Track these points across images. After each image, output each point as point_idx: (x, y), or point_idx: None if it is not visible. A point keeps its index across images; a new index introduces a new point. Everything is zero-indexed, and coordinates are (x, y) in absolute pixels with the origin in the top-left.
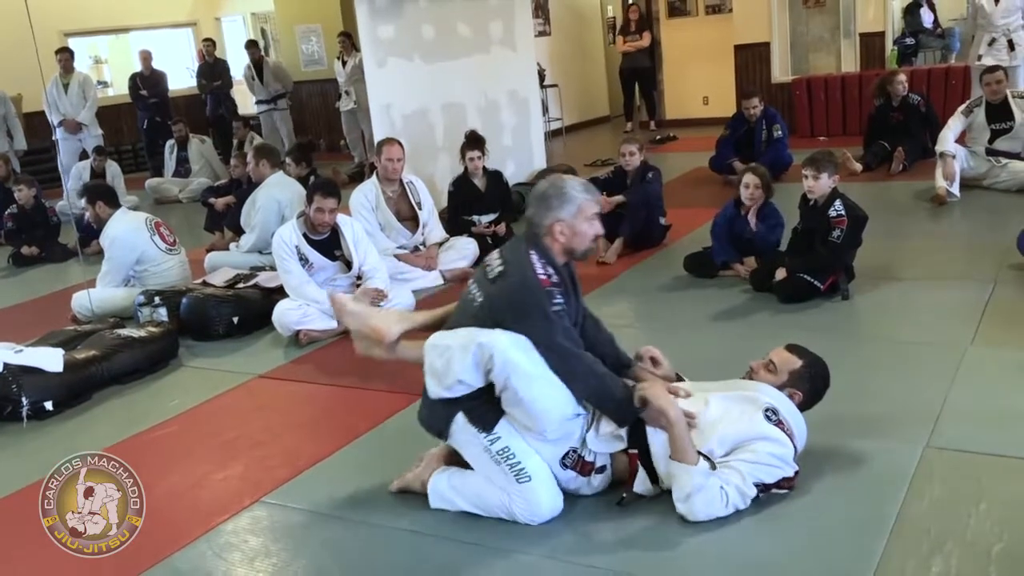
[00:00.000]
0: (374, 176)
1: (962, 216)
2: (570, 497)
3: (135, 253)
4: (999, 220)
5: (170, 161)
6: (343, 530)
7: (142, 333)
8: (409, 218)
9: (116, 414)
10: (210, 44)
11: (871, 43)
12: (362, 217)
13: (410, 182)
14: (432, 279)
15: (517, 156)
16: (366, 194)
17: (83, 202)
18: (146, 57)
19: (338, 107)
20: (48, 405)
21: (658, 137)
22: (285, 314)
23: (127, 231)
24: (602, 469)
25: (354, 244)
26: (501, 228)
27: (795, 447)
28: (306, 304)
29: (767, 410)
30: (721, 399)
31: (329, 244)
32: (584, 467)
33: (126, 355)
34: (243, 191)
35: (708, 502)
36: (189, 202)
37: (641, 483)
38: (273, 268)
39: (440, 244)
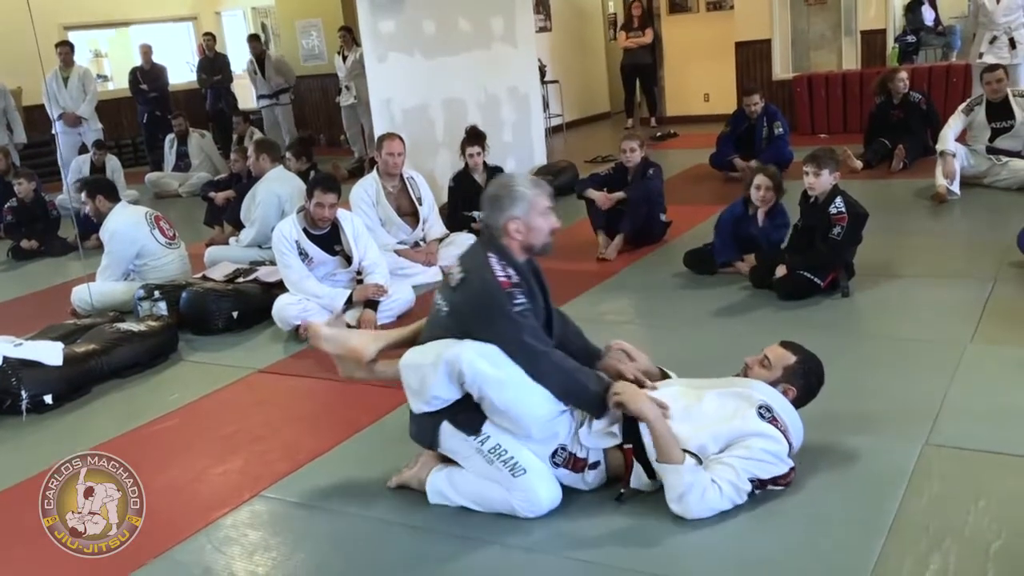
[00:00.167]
0: (374, 171)
1: (962, 214)
2: (568, 493)
3: (135, 247)
4: (999, 218)
5: (170, 155)
6: (342, 524)
7: (142, 327)
8: (409, 213)
9: (116, 408)
10: (210, 38)
11: (872, 40)
12: (362, 212)
13: (411, 177)
14: (432, 275)
15: (517, 152)
16: (366, 189)
17: (83, 196)
18: (146, 51)
19: (338, 102)
20: (47, 399)
21: (659, 134)
22: (285, 309)
23: (127, 225)
24: (595, 465)
25: (354, 239)
26: None
27: (790, 444)
28: (306, 299)
29: (761, 407)
30: (715, 396)
31: (329, 239)
32: (576, 464)
33: (126, 349)
34: (243, 186)
35: (701, 498)
36: (189, 196)
37: (637, 478)
38: (273, 263)
39: (440, 240)
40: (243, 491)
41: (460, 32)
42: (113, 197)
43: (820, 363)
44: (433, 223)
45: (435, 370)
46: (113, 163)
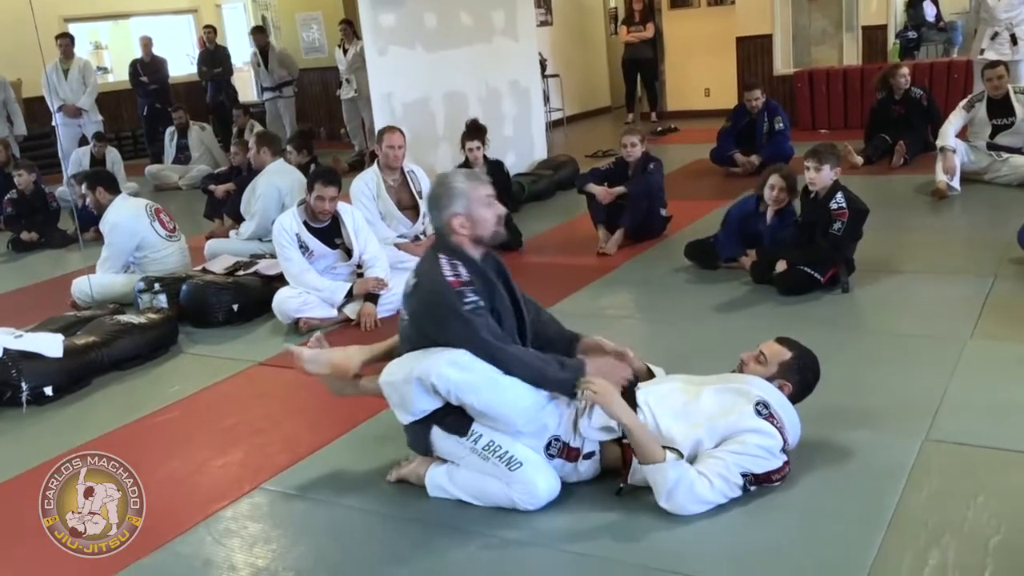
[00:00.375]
0: (375, 165)
1: (963, 210)
2: (567, 487)
3: (135, 239)
4: (1000, 214)
5: (170, 148)
6: (342, 517)
7: (142, 319)
8: (410, 207)
9: (116, 400)
10: (211, 31)
11: (873, 36)
12: (363, 206)
13: (411, 171)
14: None
15: (518, 146)
16: (367, 183)
17: (83, 188)
18: (146, 43)
19: (339, 95)
20: (48, 390)
21: (659, 128)
22: (285, 302)
23: (127, 217)
24: (590, 455)
25: (354, 232)
26: None
27: (786, 440)
28: (306, 292)
29: (758, 403)
30: (713, 392)
31: (330, 232)
32: (570, 453)
33: (126, 341)
34: (243, 178)
35: (690, 492)
36: (189, 189)
37: (636, 472)
38: (273, 256)
39: None
40: (243, 483)
41: (461, 26)
42: (113, 189)
43: (816, 358)
44: None
45: (409, 386)
46: (113, 155)
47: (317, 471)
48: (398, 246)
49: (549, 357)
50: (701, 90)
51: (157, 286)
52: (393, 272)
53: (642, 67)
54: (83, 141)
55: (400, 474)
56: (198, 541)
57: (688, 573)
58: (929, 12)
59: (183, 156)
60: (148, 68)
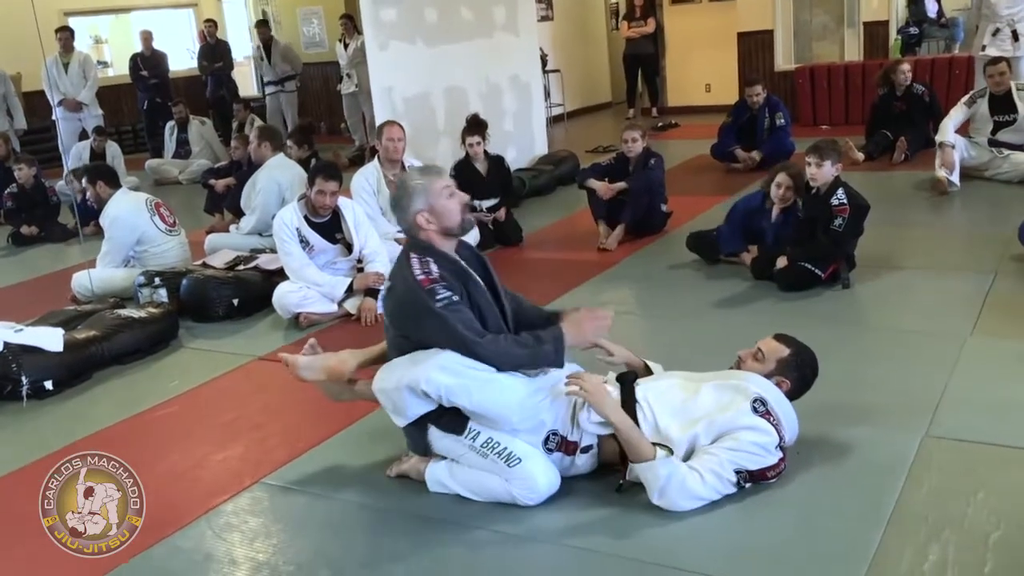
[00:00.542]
0: (376, 159)
1: (964, 207)
2: (566, 483)
3: (135, 234)
4: (1000, 211)
5: (170, 142)
6: (342, 511)
7: (142, 314)
8: None
9: (116, 394)
10: (211, 25)
11: (875, 32)
12: (363, 200)
13: (411, 166)
14: None
15: (518, 141)
16: (367, 177)
17: (84, 182)
18: (147, 37)
19: (339, 90)
20: (48, 384)
21: (660, 124)
22: (285, 296)
23: (127, 211)
24: (587, 448)
25: (355, 227)
26: (501, 214)
27: (782, 436)
28: (306, 287)
29: (755, 400)
30: (712, 388)
31: (330, 227)
32: (568, 447)
33: (126, 335)
34: (243, 173)
35: (681, 488)
36: (189, 183)
37: (634, 468)
38: (273, 250)
39: None
40: (243, 478)
41: (462, 20)
42: (114, 183)
43: (814, 355)
44: None
45: (399, 394)
46: (113, 149)
47: (317, 465)
48: (398, 241)
49: (526, 337)
50: (702, 86)
51: (157, 280)
52: None
53: (643, 62)
54: (83, 135)
55: (400, 469)
56: (199, 535)
57: (684, 568)
58: (931, 8)
59: (183, 150)
60: (148, 62)
